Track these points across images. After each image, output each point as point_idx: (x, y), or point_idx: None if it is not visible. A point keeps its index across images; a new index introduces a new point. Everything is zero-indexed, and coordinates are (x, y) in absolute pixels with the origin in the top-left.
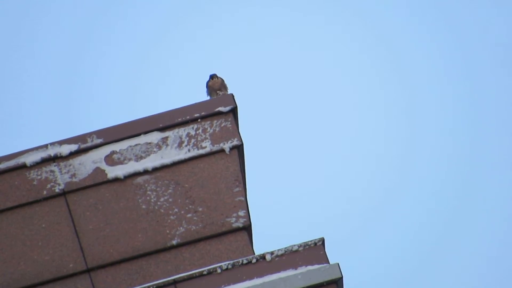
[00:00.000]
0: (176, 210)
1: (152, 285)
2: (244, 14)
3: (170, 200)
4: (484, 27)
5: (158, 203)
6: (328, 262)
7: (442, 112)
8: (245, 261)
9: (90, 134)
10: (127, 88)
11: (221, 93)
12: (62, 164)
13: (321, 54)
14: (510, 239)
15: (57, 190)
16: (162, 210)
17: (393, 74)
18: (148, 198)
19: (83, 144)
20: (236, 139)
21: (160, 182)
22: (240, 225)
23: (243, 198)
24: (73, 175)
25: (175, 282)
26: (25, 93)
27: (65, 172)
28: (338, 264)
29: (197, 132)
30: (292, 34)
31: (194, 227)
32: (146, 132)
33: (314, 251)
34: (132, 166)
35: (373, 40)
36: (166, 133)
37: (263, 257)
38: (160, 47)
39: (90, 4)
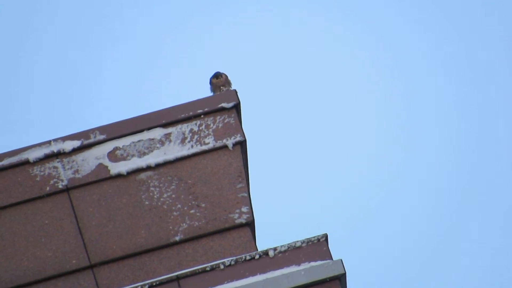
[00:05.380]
0: (179, 206)
1: (155, 281)
2: (247, 11)
3: (173, 196)
4: (487, 23)
5: (161, 199)
6: (331, 258)
7: (445, 110)
8: (248, 257)
9: (93, 130)
10: (130, 84)
11: (224, 89)
12: (65, 160)
13: (324, 51)
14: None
15: (60, 186)
16: (165, 206)
17: (396, 71)
18: (151, 194)
19: (86, 140)
20: (239, 135)
21: (163, 178)
22: (243, 221)
23: (246, 194)
24: (76, 171)
25: (178, 278)
26: (28, 89)
27: (68, 168)
28: (341, 260)
29: (200, 128)
30: (295, 31)
31: (197, 223)
32: (149, 128)
33: (317, 247)
34: (135, 162)
35: (376, 38)
36: (169, 129)
37: (266, 253)
38: (163, 44)
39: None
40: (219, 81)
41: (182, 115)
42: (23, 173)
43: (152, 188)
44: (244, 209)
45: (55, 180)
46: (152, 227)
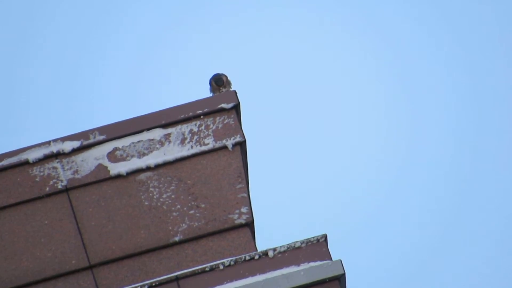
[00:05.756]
0: (178, 206)
1: (155, 282)
2: (247, 11)
3: (173, 196)
4: (487, 23)
5: (161, 199)
6: (330, 258)
7: (446, 111)
8: (247, 258)
9: (92, 131)
10: (129, 85)
11: (224, 89)
12: (64, 160)
13: (324, 51)
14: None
15: (59, 187)
16: (164, 207)
17: (396, 71)
18: (150, 194)
19: (86, 141)
20: (238, 135)
21: (162, 179)
22: (243, 221)
23: (245, 195)
24: (76, 171)
25: (177, 278)
26: (27, 89)
27: (67, 169)
28: (340, 260)
29: (200, 128)
30: (295, 32)
31: (196, 224)
32: (148, 129)
33: (317, 247)
34: (135, 163)
35: (376, 38)
36: (169, 130)
37: (265, 253)
38: (163, 44)
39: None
40: (221, 86)
41: (182, 116)
42: (22, 174)
43: (151, 189)
44: (244, 210)
45: (54, 180)
46: (151, 228)
